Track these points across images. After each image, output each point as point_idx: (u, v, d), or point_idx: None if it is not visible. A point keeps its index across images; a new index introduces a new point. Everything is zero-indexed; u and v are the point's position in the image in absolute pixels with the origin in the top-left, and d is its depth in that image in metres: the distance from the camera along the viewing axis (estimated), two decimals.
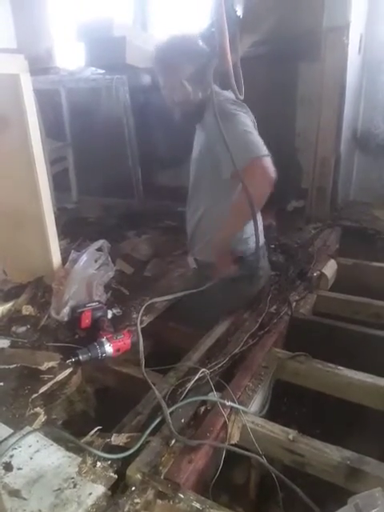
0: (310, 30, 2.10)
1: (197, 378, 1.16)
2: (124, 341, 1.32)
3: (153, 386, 1.12)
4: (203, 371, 1.18)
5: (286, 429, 1.05)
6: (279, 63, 2.26)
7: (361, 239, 2.14)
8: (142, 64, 2.57)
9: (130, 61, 2.51)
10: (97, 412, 1.34)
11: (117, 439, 1.01)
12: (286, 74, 2.34)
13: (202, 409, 1.10)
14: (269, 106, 2.33)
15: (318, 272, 1.78)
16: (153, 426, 1.01)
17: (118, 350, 1.30)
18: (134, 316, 1.54)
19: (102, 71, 2.82)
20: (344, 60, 2.10)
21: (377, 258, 1.92)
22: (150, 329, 1.49)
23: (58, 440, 0.99)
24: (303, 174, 2.52)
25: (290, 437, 1.02)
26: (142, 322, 1.47)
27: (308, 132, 2.40)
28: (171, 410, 1.06)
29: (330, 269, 1.82)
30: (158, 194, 2.96)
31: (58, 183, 3.02)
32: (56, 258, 1.67)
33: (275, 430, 1.05)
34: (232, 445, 1.06)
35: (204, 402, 1.11)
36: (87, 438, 1.02)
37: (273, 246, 1.96)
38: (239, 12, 1.16)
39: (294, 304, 1.59)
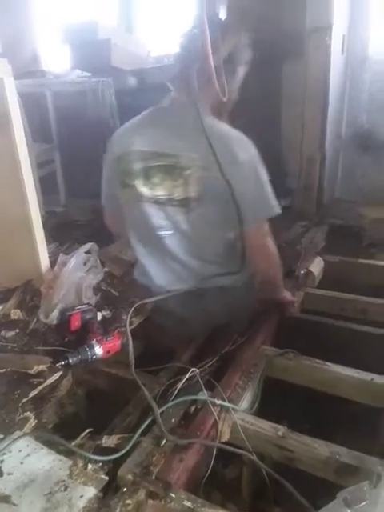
0: (293, 31, 2.12)
1: (187, 377, 1.17)
2: (114, 342, 1.32)
3: (143, 386, 1.13)
4: (193, 371, 1.19)
5: (275, 425, 1.06)
6: (263, 64, 2.27)
7: (347, 236, 2.16)
8: (127, 66, 2.58)
9: (115, 63, 2.52)
10: (88, 414, 1.34)
11: (108, 441, 1.02)
12: (271, 75, 2.36)
13: (193, 408, 1.10)
14: (254, 106, 2.35)
15: (306, 269, 1.80)
16: (143, 426, 1.02)
17: (109, 352, 1.31)
18: (124, 317, 1.54)
19: (88, 74, 2.82)
20: (327, 60, 2.13)
21: (362, 255, 1.94)
22: (140, 330, 1.49)
23: (48, 444, 0.99)
24: (290, 173, 2.55)
25: (280, 433, 1.03)
26: (131, 324, 1.47)
27: (293, 131, 2.42)
28: (162, 410, 1.06)
29: (316, 266, 1.84)
30: None
31: (46, 186, 3.00)
32: (44, 261, 1.67)
33: (265, 426, 1.06)
34: (223, 443, 1.07)
35: (194, 401, 1.12)
36: (78, 440, 1.02)
37: None
38: (221, 14, 1.18)
39: None
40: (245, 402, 1.17)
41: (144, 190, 1.32)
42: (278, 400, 1.29)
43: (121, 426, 1.06)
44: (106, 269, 1.86)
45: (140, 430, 1.00)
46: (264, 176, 1.26)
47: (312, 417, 1.24)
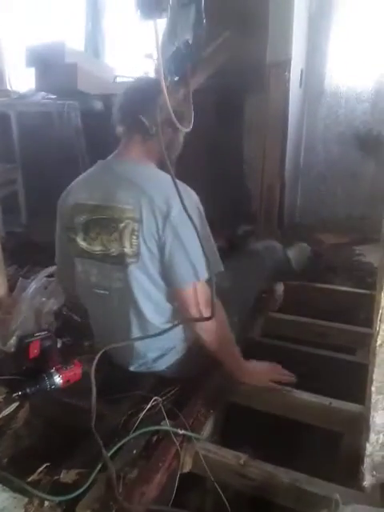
0: (256, 65, 2.22)
1: (149, 406, 1.16)
2: (74, 371, 1.29)
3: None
4: (156, 399, 1.18)
5: (237, 453, 1.07)
6: (228, 95, 2.36)
7: None
8: (93, 90, 2.59)
9: (81, 87, 2.53)
10: (46, 447, 1.29)
11: (66, 476, 0.99)
12: (234, 106, 2.44)
13: (155, 438, 1.09)
14: (218, 135, 2.43)
15: (266, 294, 1.84)
16: (99, 467, 0.99)
17: (68, 381, 1.28)
18: (87, 344, 1.51)
19: (53, 96, 2.82)
20: (286, 93, 2.24)
21: (320, 280, 2.01)
22: (103, 356, 1.47)
23: (3, 480, 0.95)
24: (252, 199, 2.62)
25: (242, 461, 1.03)
26: (95, 350, 1.45)
27: (255, 159, 2.51)
28: (121, 443, 1.04)
29: (277, 290, 1.89)
30: None
31: (7, 206, 2.94)
32: (2, 285, 1.63)
33: (227, 455, 1.06)
34: (185, 473, 1.06)
35: (157, 431, 1.11)
36: (35, 475, 0.99)
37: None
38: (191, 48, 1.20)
39: None
40: (207, 430, 1.17)
41: (83, 245, 1.27)
42: (241, 426, 1.30)
43: (80, 460, 1.03)
44: None
45: (98, 467, 0.98)
46: (203, 230, 1.17)
47: (275, 442, 1.25)
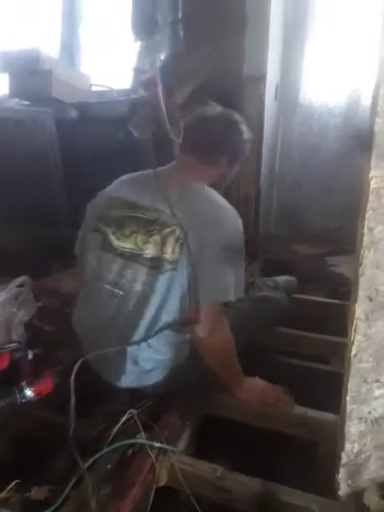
0: (233, 80, 2.26)
1: (124, 419, 1.13)
2: (46, 384, 1.25)
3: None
4: (131, 412, 1.16)
5: (213, 466, 1.06)
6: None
7: (280, 271, 2.26)
8: (68, 98, 2.57)
9: (56, 94, 2.50)
10: (16, 462, 1.24)
11: (37, 493, 0.95)
12: None
13: (130, 451, 1.07)
14: None
15: None
16: (73, 481, 0.96)
17: (40, 394, 1.23)
18: (59, 355, 1.48)
19: (27, 103, 2.77)
20: (261, 107, 2.29)
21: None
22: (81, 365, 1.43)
23: None
24: None
25: (218, 473, 1.03)
26: (61, 362, 1.42)
27: None
28: (95, 457, 1.02)
29: None
30: None
31: None
32: None
33: (203, 467, 1.05)
34: (161, 487, 1.04)
35: (132, 444, 1.08)
36: (4, 493, 0.95)
37: None
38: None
39: None
40: (183, 442, 1.16)
41: (112, 239, 1.25)
42: (218, 438, 1.29)
43: (52, 477, 1.00)
44: (40, 303, 1.79)
45: (71, 483, 0.95)
46: (240, 256, 1.23)
47: (253, 452, 1.25)
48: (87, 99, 2.65)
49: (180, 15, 1.96)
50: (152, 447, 1.06)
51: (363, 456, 0.91)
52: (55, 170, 2.68)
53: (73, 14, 3.08)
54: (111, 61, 3.08)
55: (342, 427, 0.93)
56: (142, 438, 1.09)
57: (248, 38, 2.21)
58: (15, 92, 2.65)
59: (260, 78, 2.25)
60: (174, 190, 1.20)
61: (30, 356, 1.43)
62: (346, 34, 2.39)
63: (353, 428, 0.92)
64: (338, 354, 1.56)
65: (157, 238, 1.18)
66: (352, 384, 0.90)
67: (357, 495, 0.92)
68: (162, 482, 1.05)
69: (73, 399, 1.08)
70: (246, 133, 1.36)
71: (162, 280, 1.17)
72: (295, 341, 1.72)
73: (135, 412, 1.16)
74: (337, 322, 1.73)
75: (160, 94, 0.98)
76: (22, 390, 1.20)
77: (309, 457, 1.19)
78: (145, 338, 1.19)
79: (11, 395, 1.18)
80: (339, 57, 2.44)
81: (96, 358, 1.21)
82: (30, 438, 1.26)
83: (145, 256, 1.19)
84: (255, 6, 2.17)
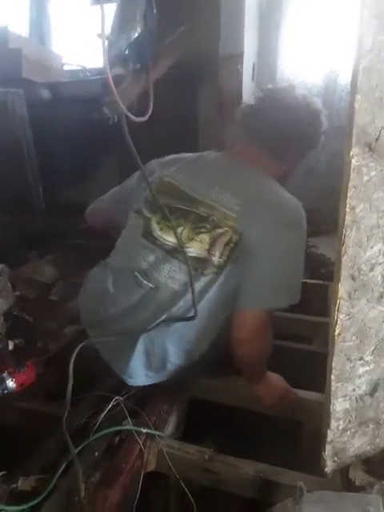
0: (209, 57, 2.21)
1: (110, 406, 1.12)
2: (28, 374, 1.23)
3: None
4: (117, 399, 1.15)
5: (202, 448, 1.06)
6: (180, 85, 2.33)
7: None
8: (39, 78, 2.47)
9: (26, 74, 2.40)
10: (1, 454, 1.22)
11: (24, 484, 0.94)
12: (188, 96, 2.42)
13: (117, 438, 1.06)
14: (173, 125, 2.39)
15: None
16: (62, 468, 0.95)
17: (22, 385, 1.21)
18: (40, 345, 1.45)
19: None
20: (239, 87, 2.25)
21: None
22: (59, 357, 1.41)
23: None
24: None
25: (206, 456, 1.03)
26: (49, 351, 1.39)
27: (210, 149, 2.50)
28: (84, 444, 1.01)
29: None
30: (62, 211, 2.83)
31: None
32: None
33: (191, 450, 1.06)
34: (149, 472, 1.04)
35: (119, 431, 1.08)
36: None
37: None
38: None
39: None
40: (170, 427, 1.16)
41: (154, 228, 1.14)
42: (204, 421, 1.29)
43: (38, 467, 0.98)
44: (18, 292, 1.74)
45: (59, 472, 0.94)
46: (300, 264, 1.11)
47: (239, 434, 1.26)
48: (59, 79, 2.55)
49: None
50: (139, 433, 1.06)
51: (348, 433, 0.93)
52: (28, 153, 2.58)
53: None
54: (83, 39, 2.97)
55: (327, 405, 0.94)
56: (129, 425, 1.08)
57: (223, 15, 2.15)
58: None
59: (237, 57, 2.21)
60: (234, 184, 1.11)
61: (11, 347, 1.40)
62: (322, 14, 2.36)
63: (338, 406, 0.93)
64: (321, 334, 1.58)
65: (205, 237, 1.09)
66: (336, 363, 0.91)
67: (342, 471, 0.94)
68: (151, 468, 1.05)
69: (70, 384, 1.04)
70: (325, 125, 1.22)
71: (201, 282, 1.09)
72: (278, 322, 1.73)
73: (121, 399, 1.15)
74: (318, 301, 1.75)
75: (108, 70, 0.94)
76: (3, 381, 1.18)
77: (295, 437, 1.22)
78: (141, 332, 1.13)
79: None
80: (316, 37, 2.41)
81: (105, 345, 1.17)
82: (13, 428, 1.24)
83: (189, 254, 1.09)
84: None
